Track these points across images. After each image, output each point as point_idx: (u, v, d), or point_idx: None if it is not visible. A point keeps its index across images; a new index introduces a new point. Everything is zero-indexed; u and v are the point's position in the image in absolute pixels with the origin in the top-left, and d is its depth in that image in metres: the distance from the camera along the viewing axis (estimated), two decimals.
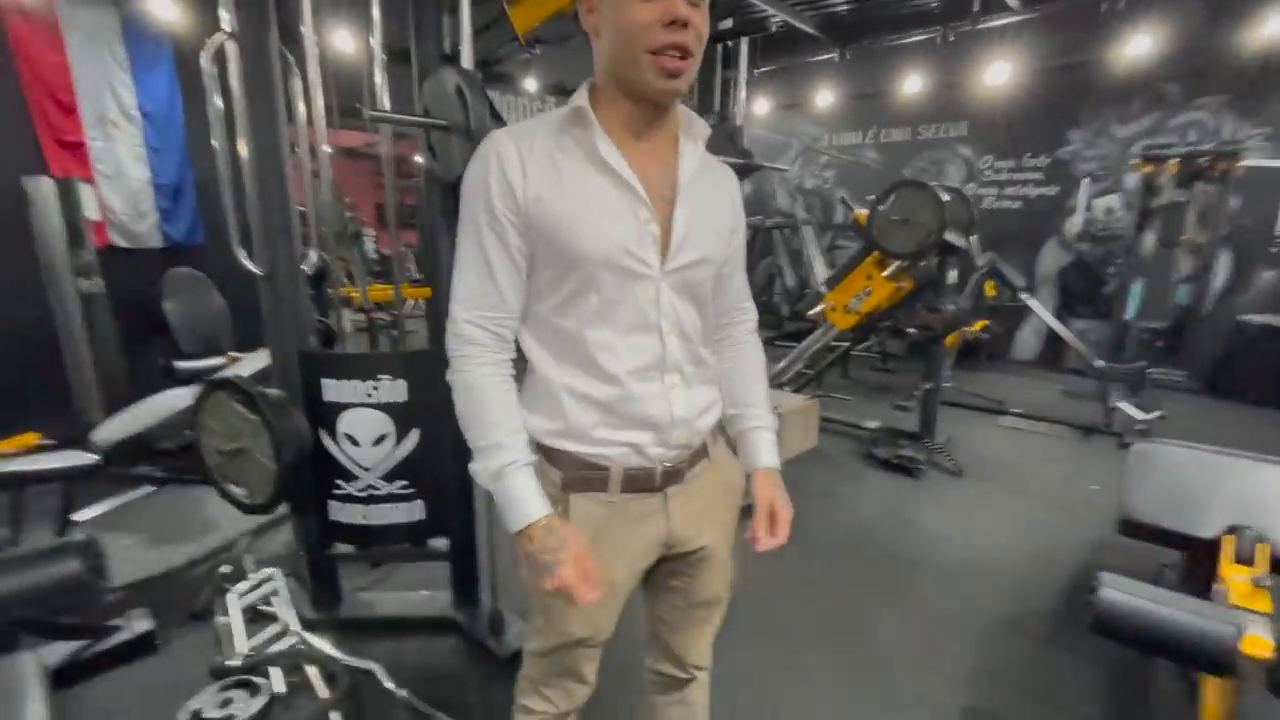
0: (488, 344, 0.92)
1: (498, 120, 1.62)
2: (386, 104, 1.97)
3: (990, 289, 5.35)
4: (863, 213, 4.00)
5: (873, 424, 4.01)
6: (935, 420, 3.80)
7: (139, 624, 1.94)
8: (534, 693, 1.11)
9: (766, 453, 1.09)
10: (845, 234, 7.30)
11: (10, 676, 1.26)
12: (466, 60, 1.75)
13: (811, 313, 4.33)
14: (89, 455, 2.23)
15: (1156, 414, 4.04)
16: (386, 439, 1.94)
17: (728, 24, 2.65)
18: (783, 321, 7.14)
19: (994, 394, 4.88)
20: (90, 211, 3.33)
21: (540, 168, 0.87)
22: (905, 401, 4.65)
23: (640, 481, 0.97)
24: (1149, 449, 2.05)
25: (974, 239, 5.03)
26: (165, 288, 3.82)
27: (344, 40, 4.04)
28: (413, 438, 1.95)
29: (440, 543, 2.09)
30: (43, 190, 3.13)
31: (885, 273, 3.82)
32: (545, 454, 0.97)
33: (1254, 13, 4.72)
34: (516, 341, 0.97)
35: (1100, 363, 4.45)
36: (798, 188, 7.73)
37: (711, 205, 0.99)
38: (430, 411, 1.92)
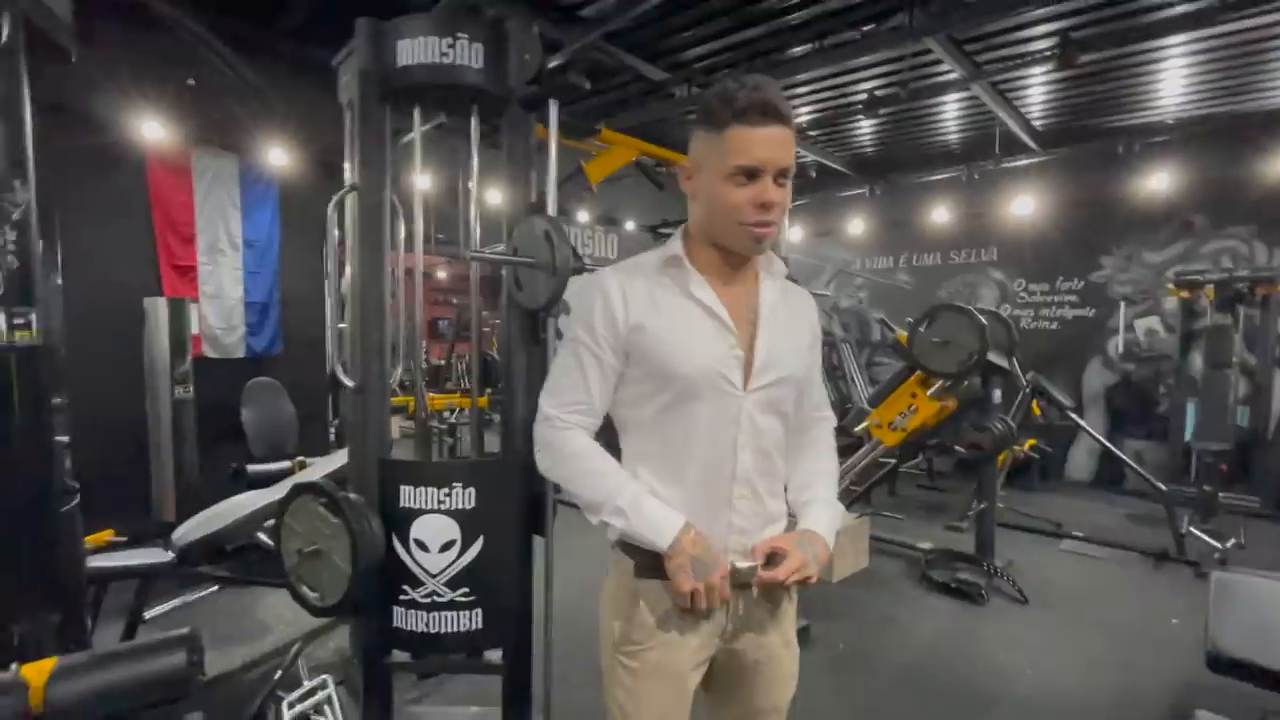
0: (581, 425, 1.08)
1: (577, 258, 1.84)
2: (478, 241, 2.24)
3: (1035, 408, 5.31)
4: (904, 334, 4.13)
5: (927, 545, 3.89)
6: (993, 542, 3.68)
7: None
8: None
9: (811, 517, 1.10)
10: (881, 351, 7.44)
11: None
12: (551, 208, 2.01)
13: (857, 429, 4.36)
14: (166, 553, 2.35)
15: (1233, 542, 3.83)
16: (453, 545, 2.01)
17: None
18: None
19: (1050, 515, 4.70)
20: (192, 327, 3.71)
21: (640, 301, 1.04)
22: (958, 522, 4.52)
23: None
24: (1233, 580, 1.95)
25: (1016, 359, 5.09)
26: (245, 396, 4.11)
27: (426, 180, 4.59)
28: (477, 545, 2.01)
29: (495, 655, 2.08)
30: (158, 309, 3.54)
31: (929, 392, 3.88)
32: (620, 546, 1.08)
33: (1272, 146, 4.91)
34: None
35: (1164, 486, 4.29)
36: (834, 307, 8.00)
37: (792, 328, 1.13)
38: (495, 519, 2.00)
